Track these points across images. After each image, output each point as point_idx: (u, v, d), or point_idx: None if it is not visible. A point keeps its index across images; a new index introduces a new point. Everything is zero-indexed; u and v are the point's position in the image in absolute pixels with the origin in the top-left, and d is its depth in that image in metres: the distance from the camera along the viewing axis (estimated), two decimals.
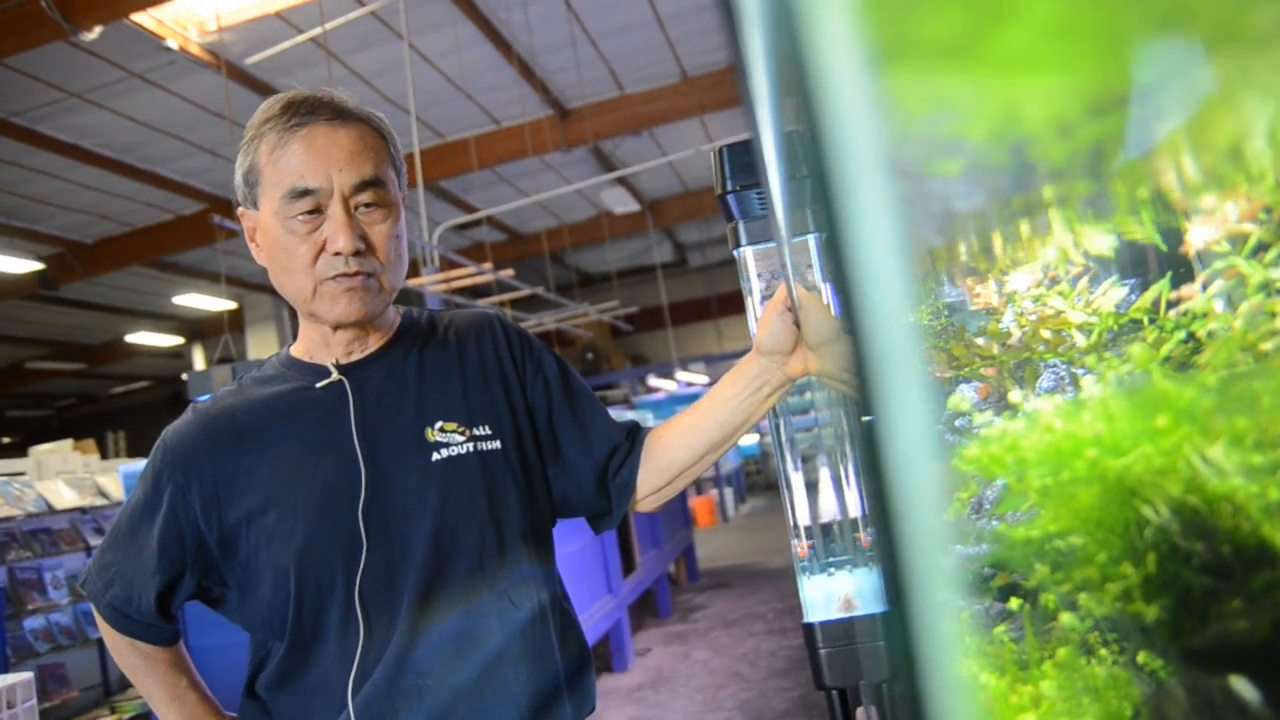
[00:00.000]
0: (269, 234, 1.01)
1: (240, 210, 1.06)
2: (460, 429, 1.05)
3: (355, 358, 1.07)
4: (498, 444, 1.06)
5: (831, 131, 0.26)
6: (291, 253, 0.99)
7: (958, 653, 0.25)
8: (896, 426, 0.26)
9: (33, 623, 5.10)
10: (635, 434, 1.15)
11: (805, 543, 1.06)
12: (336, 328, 1.04)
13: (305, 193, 0.97)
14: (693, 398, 12.77)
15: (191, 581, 1.05)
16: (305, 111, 0.98)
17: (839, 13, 0.28)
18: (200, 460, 1.04)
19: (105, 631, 1.11)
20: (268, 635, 1.04)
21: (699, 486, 11.12)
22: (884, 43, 0.40)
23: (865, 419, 0.27)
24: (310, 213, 0.98)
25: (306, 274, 0.99)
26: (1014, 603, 0.58)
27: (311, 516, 0.99)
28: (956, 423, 0.72)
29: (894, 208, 0.26)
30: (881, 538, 0.27)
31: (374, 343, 1.08)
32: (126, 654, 1.11)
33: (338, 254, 0.98)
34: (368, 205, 1.00)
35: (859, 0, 0.35)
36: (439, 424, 1.04)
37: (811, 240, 1.07)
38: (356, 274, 0.99)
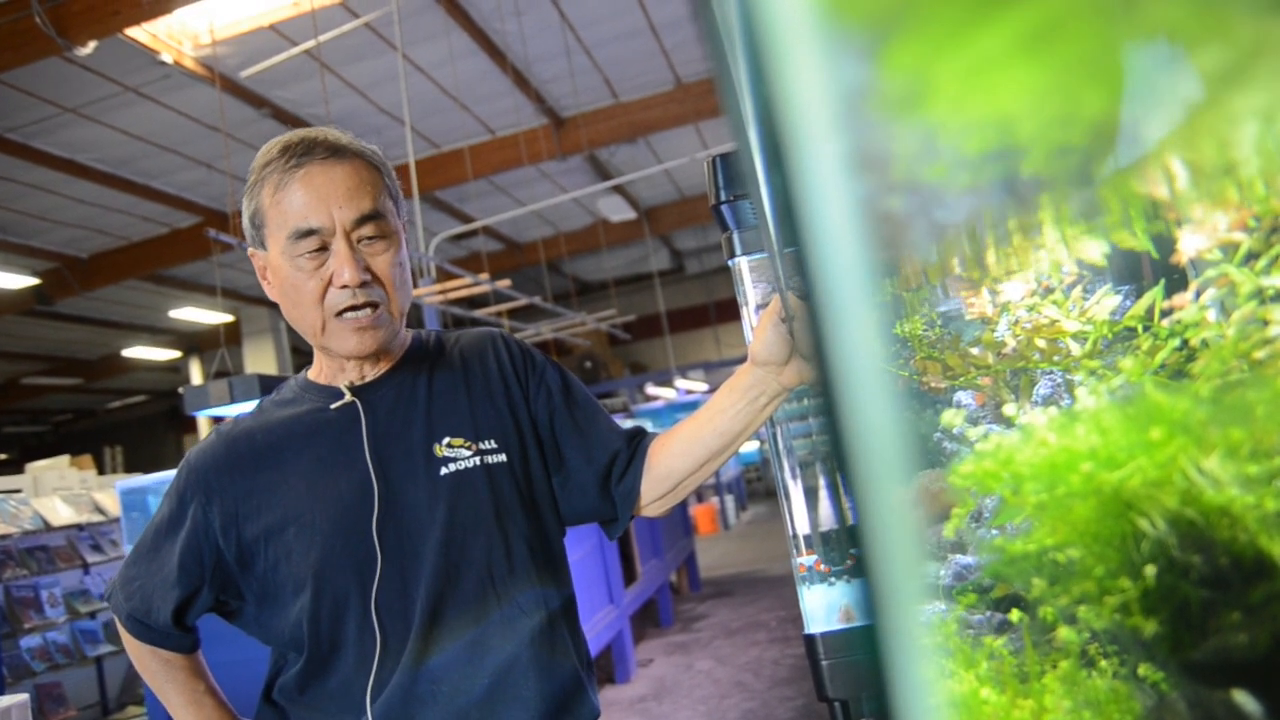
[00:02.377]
0: (279, 273, 1.06)
1: (250, 252, 1.10)
2: (467, 444, 1.09)
3: (367, 379, 1.12)
4: (504, 457, 1.10)
5: (792, 151, 0.26)
6: (300, 289, 1.04)
7: (929, 672, 0.25)
8: (863, 447, 0.26)
9: (29, 641, 5.08)
10: (637, 440, 1.17)
11: (807, 553, 1.05)
12: (350, 359, 1.09)
13: (309, 232, 1.02)
14: (692, 405, 12.77)
15: (209, 595, 1.10)
16: (301, 152, 1.02)
17: (802, 20, 0.28)
18: (222, 479, 1.09)
19: (126, 639, 1.16)
20: (286, 647, 1.09)
21: (699, 494, 11.10)
22: (876, 49, 0.40)
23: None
24: (316, 250, 1.02)
25: (316, 309, 1.04)
26: (1014, 615, 0.58)
27: (328, 532, 1.04)
28: (955, 430, 0.72)
29: (856, 226, 0.26)
30: (855, 554, 0.27)
31: (384, 365, 1.13)
32: (147, 660, 1.15)
33: (344, 287, 1.02)
34: (369, 238, 1.04)
35: (840, 10, 0.34)
36: (446, 440, 1.09)
37: None
38: (365, 306, 1.03)
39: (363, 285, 1.02)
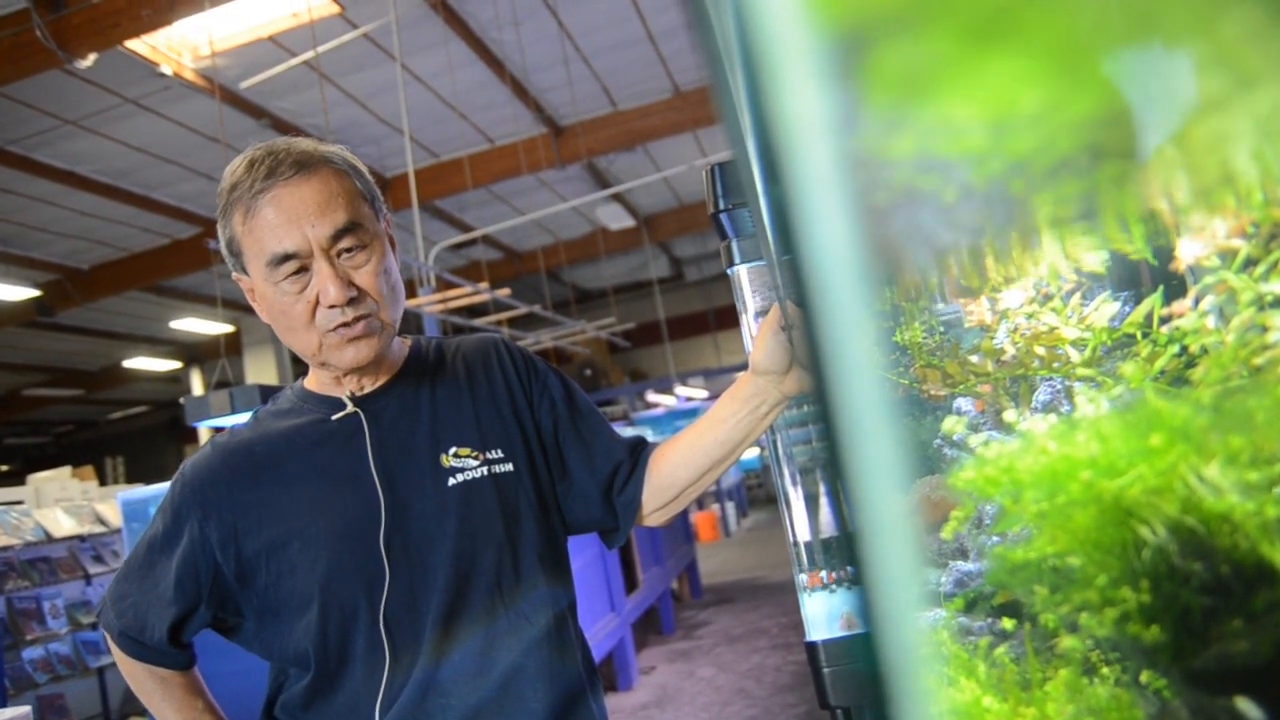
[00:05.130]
0: (265, 298, 1.03)
1: (236, 277, 1.08)
2: (474, 453, 1.07)
3: (367, 390, 1.10)
4: (510, 466, 1.09)
5: (786, 154, 0.26)
6: (288, 313, 1.01)
7: (930, 680, 0.25)
8: (860, 455, 0.26)
9: (31, 653, 5.07)
10: (639, 450, 1.17)
11: (816, 574, 1.05)
12: (349, 372, 1.06)
13: (286, 257, 0.98)
14: (692, 412, 12.78)
15: (206, 613, 1.07)
16: (266, 174, 0.98)
17: (799, 30, 0.28)
18: (219, 493, 1.06)
19: (120, 658, 1.13)
20: (290, 663, 1.06)
21: (700, 501, 11.09)
22: (873, 56, 0.40)
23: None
24: (296, 273, 0.99)
25: (309, 330, 1.01)
26: (1008, 623, 0.57)
27: (334, 546, 1.02)
28: (955, 437, 0.72)
29: (853, 235, 0.26)
30: (851, 564, 0.27)
31: (384, 374, 1.11)
32: (142, 679, 1.12)
33: (332, 306, 0.99)
34: (349, 250, 1.00)
35: (837, 21, 0.35)
36: (453, 449, 1.07)
37: None
38: (356, 321, 1.00)
39: (350, 302, 0.99)
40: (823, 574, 1.04)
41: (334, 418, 1.07)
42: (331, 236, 0.99)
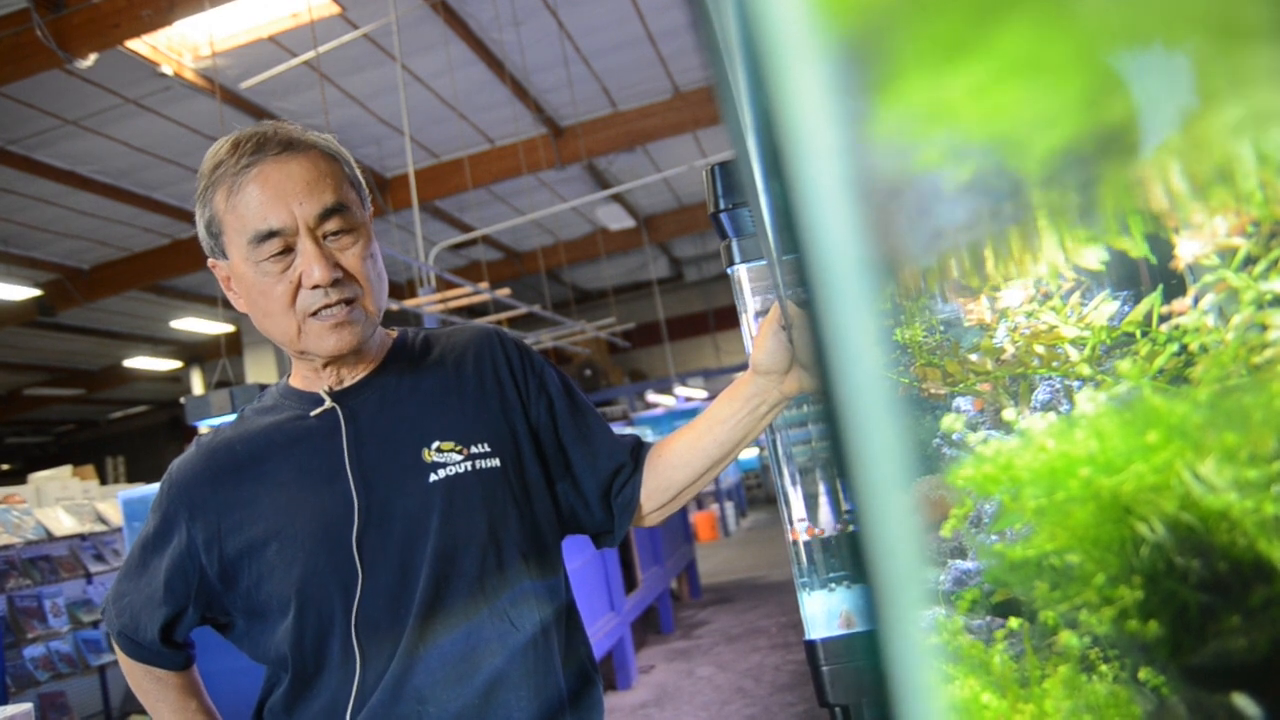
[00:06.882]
0: (244, 281, 1.00)
1: (211, 263, 1.04)
2: (458, 448, 1.03)
3: (347, 384, 1.07)
4: (497, 462, 1.05)
5: (791, 151, 0.26)
6: (269, 295, 0.98)
7: (929, 677, 0.25)
8: (863, 453, 0.26)
9: (33, 651, 5.07)
10: (638, 452, 1.15)
11: (803, 522, 1.06)
12: (328, 363, 1.04)
13: (271, 234, 0.96)
14: (691, 413, 12.79)
15: (195, 614, 1.06)
16: (253, 150, 0.96)
17: (801, 28, 0.28)
18: (203, 493, 1.04)
19: (120, 657, 1.13)
20: (275, 665, 1.04)
21: (699, 501, 11.09)
22: (872, 57, 0.40)
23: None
24: (280, 253, 0.96)
25: (288, 314, 0.98)
26: (1013, 622, 0.58)
27: (310, 546, 0.99)
28: (955, 436, 0.72)
29: (855, 233, 0.26)
30: (853, 561, 0.27)
31: (365, 368, 1.08)
32: (140, 678, 1.12)
33: (315, 287, 0.96)
34: (335, 233, 0.98)
35: (839, 19, 0.35)
36: (436, 444, 1.03)
37: None
38: (339, 303, 0.98)
39: (335, 284, 0.96)
40: (809, 526, 1.05)
41: (312, 414, 1.04)
42: (319, 215, 0.96)
